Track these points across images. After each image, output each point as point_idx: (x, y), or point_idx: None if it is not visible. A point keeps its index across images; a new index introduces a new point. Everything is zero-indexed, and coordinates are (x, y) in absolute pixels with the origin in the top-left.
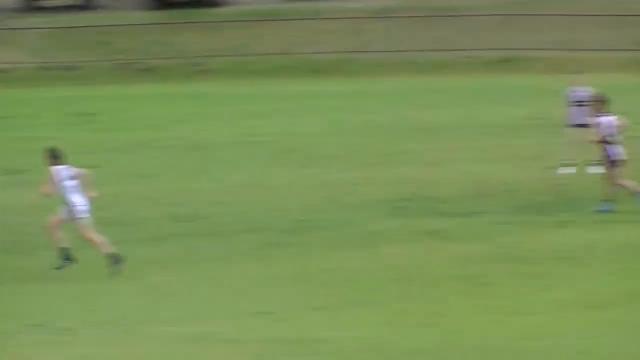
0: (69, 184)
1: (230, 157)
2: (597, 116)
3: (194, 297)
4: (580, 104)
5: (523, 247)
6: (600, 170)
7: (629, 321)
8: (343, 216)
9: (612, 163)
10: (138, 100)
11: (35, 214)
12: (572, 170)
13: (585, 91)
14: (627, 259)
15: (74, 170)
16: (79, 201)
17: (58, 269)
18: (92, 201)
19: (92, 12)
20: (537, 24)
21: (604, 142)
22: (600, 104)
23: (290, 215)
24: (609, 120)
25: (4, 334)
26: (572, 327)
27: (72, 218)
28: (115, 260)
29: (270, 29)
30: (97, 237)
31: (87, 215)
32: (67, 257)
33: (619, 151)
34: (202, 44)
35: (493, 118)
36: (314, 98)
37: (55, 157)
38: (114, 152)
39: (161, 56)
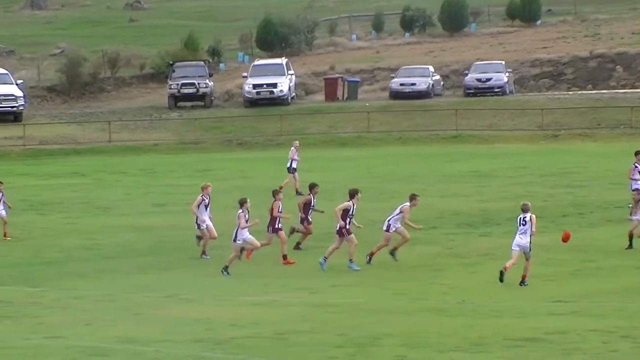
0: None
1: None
2: None
3: None
4: None
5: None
6: None
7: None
8: None
9: None
10: (235, 162)
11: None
12: None
13: None
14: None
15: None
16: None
17: None
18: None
19: (210, 109)
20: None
21: None
22: None
23: None
24: None
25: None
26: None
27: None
28: None
29: (316, 118)
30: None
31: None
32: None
33: None
34: (275, 128)
35: (446, 170)
36: (341, 160)
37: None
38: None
39: (251, 135)
